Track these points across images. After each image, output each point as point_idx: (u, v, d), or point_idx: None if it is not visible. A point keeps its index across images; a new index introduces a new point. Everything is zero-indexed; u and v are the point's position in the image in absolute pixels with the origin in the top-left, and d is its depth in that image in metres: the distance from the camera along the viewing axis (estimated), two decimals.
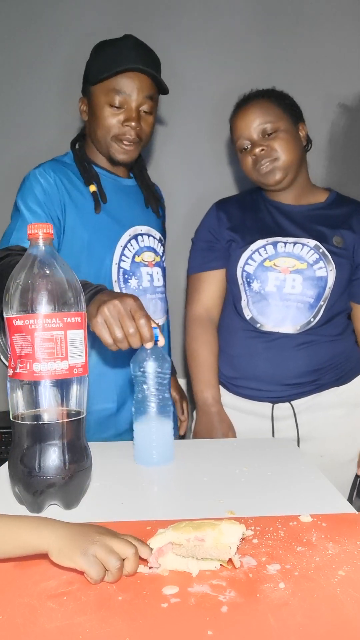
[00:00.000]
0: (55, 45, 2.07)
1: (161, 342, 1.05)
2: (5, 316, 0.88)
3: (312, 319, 1.37)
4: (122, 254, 1.38)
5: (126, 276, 1.38)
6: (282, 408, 1.39)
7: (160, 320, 1.45)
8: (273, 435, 1.39)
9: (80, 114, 1.41)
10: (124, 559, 0.64)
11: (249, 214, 1.45)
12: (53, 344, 0.85)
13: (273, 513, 0.82)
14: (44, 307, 0.85)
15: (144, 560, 0.67)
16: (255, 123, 1.36)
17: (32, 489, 0.85)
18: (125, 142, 1.34)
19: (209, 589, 0.62)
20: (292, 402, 1.38)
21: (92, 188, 1.35)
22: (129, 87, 1.29)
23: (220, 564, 0.66)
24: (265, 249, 1.38)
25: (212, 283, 1.45)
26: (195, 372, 1.44)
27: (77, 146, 1.44)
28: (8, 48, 2.08)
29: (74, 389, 0.88)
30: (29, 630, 0.55)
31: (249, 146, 1.38)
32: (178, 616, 0.57)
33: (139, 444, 1.09)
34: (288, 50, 2.05)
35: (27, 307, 0.85)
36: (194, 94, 2.06)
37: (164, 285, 1.48)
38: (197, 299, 1.47)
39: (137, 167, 1.50)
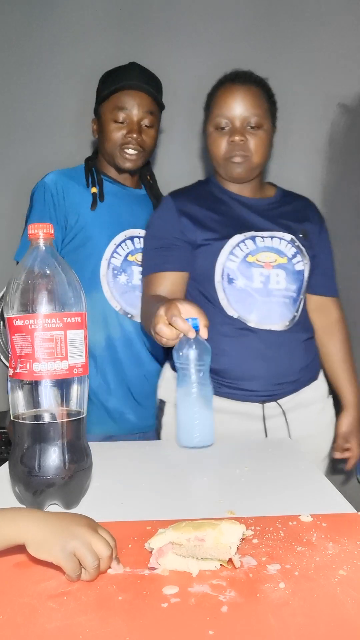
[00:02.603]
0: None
1: (203, 333, 1.09)
2: (5, 316, 0.88)
3: (295, 313, 1.36)
4: (115, 251, 1.49)
5: (115, 272, 1.48)
6: (271, 407, 1.37)
7: None
8: (266, 436, 1.38)
9: (92, 133, 1.59)
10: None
11: (213, 208, 1.38)
12: (53, 344, 0.85)
13: (273, 513, 0.82)
14: (44, 307, 0.85)
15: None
16: (243, 108, 1.30)
17: (32, 488, 0.85)
18: (129, 152, 1.49)
19: (209, 589, 0.62)
20: (278, 400, 1.37)
21: (94, 190, 1.51)
22: (130, 104, 1.47)
23: (220, 564, 0.66)
24: (245, 244, 1.33)
25: (168, 284, 1.33)
26: (151, 311, 1.17)
27: (90, 161, 1.59)
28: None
29: (74, 389, 0.88)
30: (29, 630, 0.55)
31: (228, 127, 1.32)
32: (178, 616, 0.57)
33: (183, 427, 1.16)
34: (287, 51, 2.05)
35: (27, 307, 0.85)
36: (191, 95, 2.05)
37: None
38: (151, 294, 1.33)
39: (147, 177, 1.64)
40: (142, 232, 1.52)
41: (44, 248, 0.88)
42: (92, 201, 1.49)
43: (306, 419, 1.39)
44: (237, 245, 1.34)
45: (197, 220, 1.35)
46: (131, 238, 1.52)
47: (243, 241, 1.34)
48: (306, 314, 1.41)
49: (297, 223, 1.40)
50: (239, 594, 0.60)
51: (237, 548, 0.66)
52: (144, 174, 1.64)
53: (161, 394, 1.44)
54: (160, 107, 1.54)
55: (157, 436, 1.44)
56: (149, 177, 1.65)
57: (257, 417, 1.37)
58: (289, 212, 1.42)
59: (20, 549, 0.65)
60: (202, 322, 1.07)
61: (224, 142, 1.33)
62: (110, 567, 0.65)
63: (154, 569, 0.66)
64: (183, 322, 1.04)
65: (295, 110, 2.04)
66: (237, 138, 1.31)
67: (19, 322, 0.85)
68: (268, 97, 1.37)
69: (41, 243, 0.88)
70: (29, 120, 2.16)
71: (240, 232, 1.35)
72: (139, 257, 1.50)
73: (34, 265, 0.87)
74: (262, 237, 1.35)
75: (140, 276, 1.47)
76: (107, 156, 1.54)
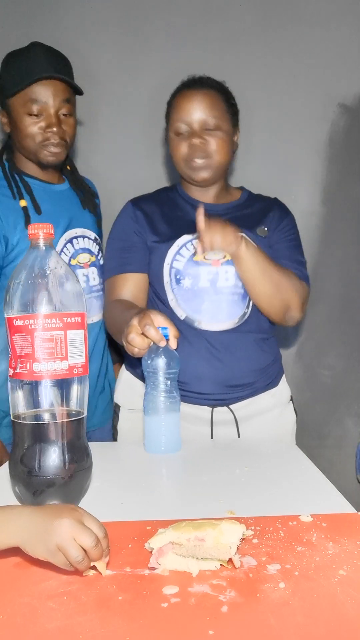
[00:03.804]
0: None
1: (172, 343, 1.11)
2: (5, 316, 0.88)
3: (246, 310, 1.34)
4: None
5: None
6: (221, 412, 1.35)
7: (96, 317, 1.47)
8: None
9: (2, 127, 1.45)
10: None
11: (167, 212, 1.39)
12: (53, 344, 0.85)
13: (273, 513, 0.82)
14: (43, 307, 0.85)
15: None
16: (200, 112, 1.31)
17: (32, 488, 0.85)
18: (52, 150, 1.37)
19: (209, 588, 0.62)
20: (230, 406, 1.34)
21: (22, 203, 1.37)
22: (45, 95, 1.33)
23: (220, 564, 0.66)
24: (192, 244, 1.33)
25: (131, 286, 1.35)
26: (120, 319, 1.23)
27: (4, 159, 1.46)
28: None
29: (74, 389, 0.88)
30: (29, 630, 0.55)
31: (187, 132, 1.33)
32: (178, 616, 0.57)
33: (149, 434, 1.16)
34: (288, 50, 2.05)
35: (27, 307, 0.85)
36: None
37: (101, 283, 1.50)
38: (115, 297, 1.35)
39: (68, 170, 1.54)
40: (78, 232, 1.46)
41: (44, 248, 0.88)
42: (25, 218, 1.35)
43: (261, 428, 1.37)
44: (184, 245, 1.34)
45: (150, 222, 1.38)
46: (70, 240, 1.45)
47: (190, 241, 1.34)
48: (258, 313, 1.36)
49: (253, 226, 1.38)
50: (239, 594, 0.60)
51: (237, 548, 0.66)
52: (64, 164, 1.50)
53: (117, 397, 1.44)
54: (76, 91, 1.41)
55: (114, 440, 1.43)
56: (68, 167, 1.53)
57: (205, 421, 1.35)
58: (246, 215, 1.40)
59: (20, 549, 0.66)
60: (172, 333, 1.10)
61: (184, 146, 1.34)
62: (101, 556, 0.65)
63: (154, 569, 0.66)
64: (156, 331, 1.07)
65: (295, 110, 2.04)
66: (196, 140, 1.32)
67: (19, 322, 0.85)
68: (226, 99, 1.36)
69: (41, 243, 0.88)
70: None
71: (188, 234, 1.34)
72: (80, 258, 1.45)
73: (34, 265, 0.87)
74: None
75: (84, 278, 1.45)
76: (27, 153, 1.40)
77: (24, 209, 1.37)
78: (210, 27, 2.05)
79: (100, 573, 0.65)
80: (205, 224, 1.18)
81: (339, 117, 2.06)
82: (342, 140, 2.06)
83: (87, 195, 1.53)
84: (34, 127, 1.35)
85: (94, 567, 0.65)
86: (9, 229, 1.34)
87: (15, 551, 0.67)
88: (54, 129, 1.35)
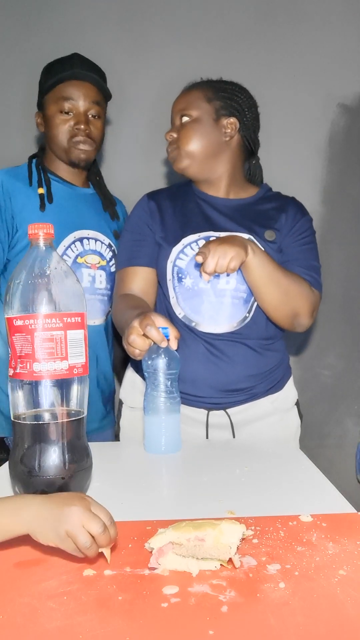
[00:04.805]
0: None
1: (173, 344, 1.12)
2: (5, 316, 0.88)
3: (247, 314, 1.32)
4: (64, 253, 1.47)
5: None
6: (217, 415, 1.34)
7: (98, 321, 1.50)
8: None
9: (37, 127, 1.55)
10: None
11: (179, 207, 1.40)
12: (53, 344, 0.85)
13: (273, 513, 0.82)
14: (44, 307, 0.85)
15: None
16: (175, 110, 1.39)
17: (32, 488, 0.85)
18: (80, 147, 1.47)
19: (209, 588, 0.62)
20: (227, 409, 1.34)
21: (40, 190, 1.46)
22: (75, 94, 1.45)
23: (220, 564, 0.66)
24: (197, 244, 1.33)
25: (140, 279, 1.36)
26: (122, 318, 1.24)
27: (35, 159, 1.54)
28: None
29: (74, 389, 0.88)
30: (29, 630, 0.55)
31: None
32: (178, 616, 0.57)
33: (149, 434, 1.16)
34: (288, 50, 2.05)
35: (27, 307, 0.85)
36: None
37: (108, 289, 1.52)
38: (124, 290, 1.37)
39: (95, 176, 1.61)
40: (91, 233, 1.50)
41: (44, 248, 0.89)
42: (40, 203, 1.44)
43: (258, 433, 1.35)
44: (189, 244, 1.34)
45: (161, 217, 1.39)
46: (80, 240, 1.49)
47: (196, 241, 1.34)
48: (264, 318, 1.34)
49: (262, 226, 1.36)
50: (239, 594, 0.60)
51: (237, 548, 0.66)
52: (92, 172, 1.59)
53: (121, 394, 1.46)
54: (106, 97, 1.52)
55: (116, 437, 1.44)
56: (97, 177, 1.61)
57: (200, 423, 1.35)
58: (259, 213, 1.39)
59: (20, 547, 0.66)
60: (172, 333, 1.11)
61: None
62: (109, 542, 0.66)
63: (154, 569, 0.66)
64: (157, 331, 1.08)
65: (295, 110, 2.04)
66: (167, 135, 1.39)
67: (19, 322, 0.85)
68: (214, 93, 1.37)
69: (41, 243, 0.89)
70: None
71: (195, 232, 1.34)
72: (88, 259, 1.48)
73: (34, 265, 0.87)
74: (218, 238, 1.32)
75: (90, 278, 1.48)
76: (57, 150, 1.49)
77: (41, 195, 1.45)
78: (210, 27, 2.05)
79: (106, 559, 0.66)
80: (204, 251, 1.16)
81: (339, 117, 2.06)
82: (342, 140, 2.06)
83: (107, 200, 1.58)
84: (64, 125, 1.46)
85: (100, 554, 0.66)
86: (17, 210, 1.42)
87: (16, 551, 0.67)
88: (82, 126, 1.45)
